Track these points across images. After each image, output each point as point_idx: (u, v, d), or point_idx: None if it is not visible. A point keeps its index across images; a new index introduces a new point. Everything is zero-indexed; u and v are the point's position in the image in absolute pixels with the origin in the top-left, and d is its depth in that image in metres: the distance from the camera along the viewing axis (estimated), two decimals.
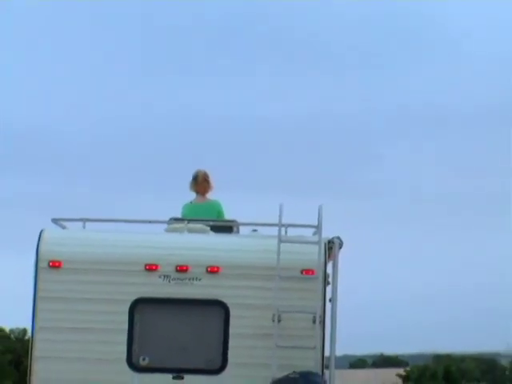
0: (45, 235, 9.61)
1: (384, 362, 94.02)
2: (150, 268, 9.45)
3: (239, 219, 10.79)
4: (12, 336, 41.49)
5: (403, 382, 55.03)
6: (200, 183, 11.30)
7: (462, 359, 55.96)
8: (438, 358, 58.87)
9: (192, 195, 11.39)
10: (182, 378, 9.33)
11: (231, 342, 9.35)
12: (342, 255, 9.68)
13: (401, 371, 60.67)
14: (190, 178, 11.41)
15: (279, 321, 9.18)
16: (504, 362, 52.91)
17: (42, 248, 9.49)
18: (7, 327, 41.58)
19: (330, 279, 9.57)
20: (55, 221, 9.96)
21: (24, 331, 39.76)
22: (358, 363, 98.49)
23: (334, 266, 9.60)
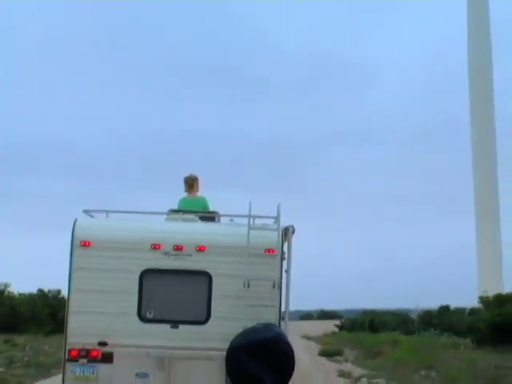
0: (78, 222, 9.64)
1: (325, 315, 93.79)
2: (155, 247, 9.48)
3: (220, 211, 10.82)
4: (49, 295, 41.17)
5: (339, 330, 55.07)
6: (190, 184, 11.33)
7: (383, 313, 56.15)
8: (365, 312, 58.97)
9: (185, 192, 11.41)
10: (178, 327, 9.39)
11: (213, 302, 9.41)
12: (295, 238, 9.75)
13: (337, 322, 60.84)
14: (184, 180, 11.37)
15: (248, 286, 9.24)
16: (413, 316, 53.12)
17: (76, 232, 9.52)
18: (46, 288, 41.35)
19: (286, 256, 9.64)
20: (86, 211, 10.01)
21: (58, 291, 39.48)
22: (306, 316, 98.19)
23: (289, 247, 9.68)
